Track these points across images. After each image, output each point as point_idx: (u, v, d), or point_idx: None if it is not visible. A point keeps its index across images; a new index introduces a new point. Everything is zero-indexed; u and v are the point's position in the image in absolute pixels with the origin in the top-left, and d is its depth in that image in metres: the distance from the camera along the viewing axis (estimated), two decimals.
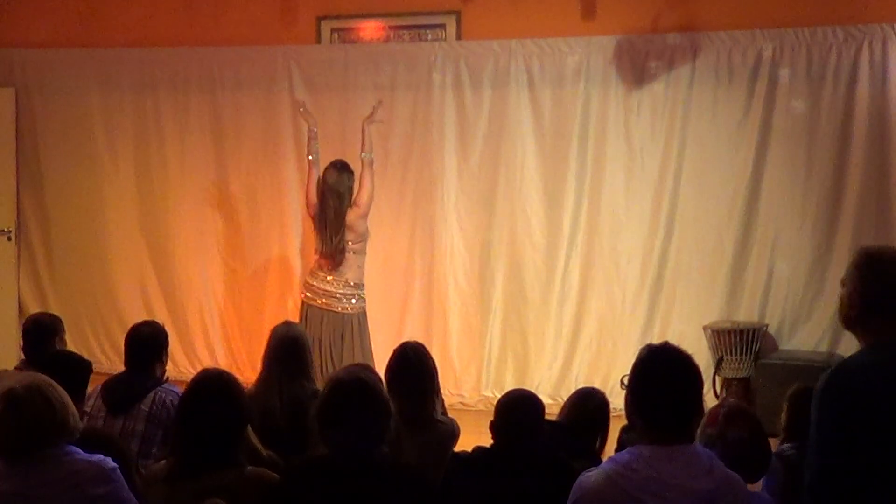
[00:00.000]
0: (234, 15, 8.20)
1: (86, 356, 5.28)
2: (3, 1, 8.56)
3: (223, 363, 7.86)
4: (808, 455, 2.60)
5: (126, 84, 8.36)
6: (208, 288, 8.31)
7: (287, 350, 4.69)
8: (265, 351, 4.78)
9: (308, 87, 8.03)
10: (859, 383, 2.54)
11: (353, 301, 6.55)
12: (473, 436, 4.15)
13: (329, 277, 6.51)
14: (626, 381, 2.83)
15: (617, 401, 3.90)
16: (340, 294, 6.52)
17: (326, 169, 6.58)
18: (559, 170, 7.57)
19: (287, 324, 5.00)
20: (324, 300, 6.52)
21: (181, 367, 7.96)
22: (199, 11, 8.25)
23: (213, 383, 3.33)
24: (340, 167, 6.58)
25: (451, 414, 4.88)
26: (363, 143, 6.71)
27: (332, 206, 6.48)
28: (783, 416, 3.87)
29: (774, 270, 7.23)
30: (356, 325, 6.56)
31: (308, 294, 6.59)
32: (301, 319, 6.49)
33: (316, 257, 6.62)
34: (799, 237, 7.16)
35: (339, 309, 6.52)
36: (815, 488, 2.53)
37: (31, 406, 3.00)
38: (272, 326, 4.94)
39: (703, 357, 6.78)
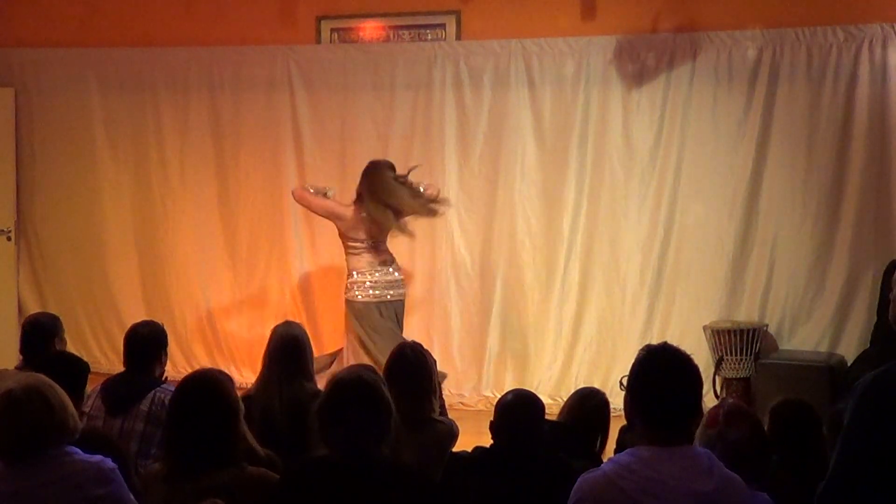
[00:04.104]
0: (234, 15, 8.20)
1: (85, 356, 5.29)
2: (2, 1, 8.56)
3: (222, 363, 7.86)
4: (834, 456, 2.56)
5: (125, 84, 8.36)
6: (207, 288, 8.30)
7: (287, 350, 4.68)
8: (265, 351, 4.77)
9: (308, 87, 8.04)
10: None
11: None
12: (473, 436, 4.15)
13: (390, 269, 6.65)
14: (624, 381, 2.82)
15: (617, 401, 3.88)
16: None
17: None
18: (559, 170, 7.57)
19: (287, 323, 4.99)
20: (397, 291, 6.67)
21: (179, 367, 7.93)
22: (199, 11, 8.25)
23: (201, 383, 3.33)
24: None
25: (451, 414, 4.88)
26: None
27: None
28: (766, 428, 3.84)
29: (774, 270, 7.22)
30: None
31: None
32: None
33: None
34: (799, 236, 7.16)
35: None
36: (835, 488, 2.50)
37: (30, 407, 2.99)
38: (272, 326, 4.94)
39: (703, 357, 6.78)
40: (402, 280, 6.71)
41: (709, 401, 5.74)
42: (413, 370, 4.33)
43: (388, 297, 6.58)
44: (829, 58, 7.03)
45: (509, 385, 7.15)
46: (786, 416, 3.64)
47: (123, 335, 4.67)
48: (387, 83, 7.87)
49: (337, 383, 3.15)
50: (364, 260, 6.56)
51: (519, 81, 7.60)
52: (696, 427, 3.06)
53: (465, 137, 7.76)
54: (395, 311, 6.61)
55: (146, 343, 4.58)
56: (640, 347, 2.85)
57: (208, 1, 8.26)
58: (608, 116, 7.47)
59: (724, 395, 6.86)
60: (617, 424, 4.05)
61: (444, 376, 6.58)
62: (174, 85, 8.29)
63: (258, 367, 4.85)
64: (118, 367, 4.83)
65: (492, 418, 3.68)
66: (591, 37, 7.48)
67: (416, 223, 7.74)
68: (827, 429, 3.62)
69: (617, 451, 3.53)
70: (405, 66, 7.84)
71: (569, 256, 7.57)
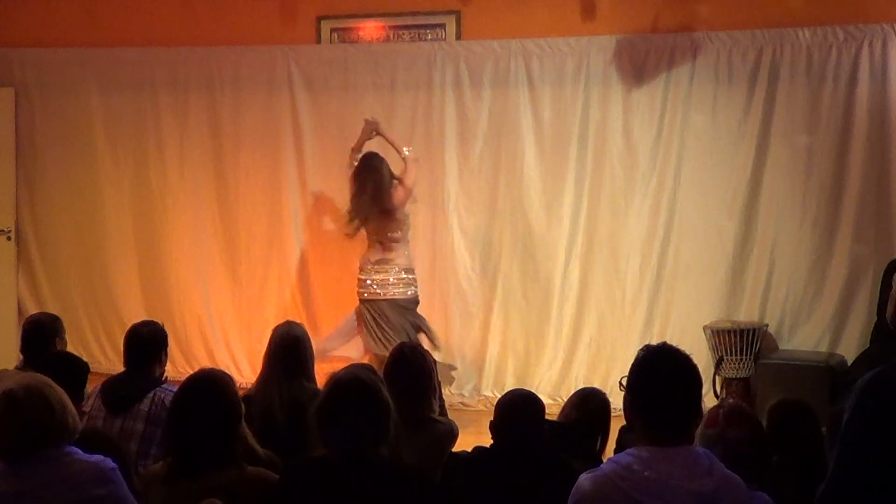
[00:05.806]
0: (234, 15, 8.20)
1: (85, 356, 5.29)
2: (2, 1, 8.56)
3: (222, 363, 7.86)
4: (833, 457, 2.56)
5: (125, 84, 8.35)
6: (207, 288, 8.29)
7: (287, 350, 4.69)
8: (265, 351, 4.78)
9: (308, 87, 8.04)
10: None
11: None
12: (473, 436, 4.16)
13: None
14: (624, 382, 2.82)
15: (617, 401, 3.88)
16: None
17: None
18: (559, 170, 7.57)
19: (287, 323, 4.99)
20: None
21: (179, 367, 7.93)
22: (199, 11, 8.25)
23: (202, 383, 3.34)
24: None
25: (451, 414, 4.89)
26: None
27: None
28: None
29: (774, 270, 7.22)
30: None
31: None
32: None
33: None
34: (799, 237, 7.16)
35: None
36: (836, 489, 2.50)
37: (31, 407, 2.99)
38: (272, 326, 4.94)
39: (703, 357, 6.78)
40: None
41: (709, 401, 5.75)
42: (412, 370, 4.33)
43: None
44: (829, 58, 7.03)
45: (509, 385, 7.15)
46: (783, 416, 3.65)
47: (123, 335, 4.67)
48: (387, 83, 7.87)
49: (335, 384, 3.15)
50: None
51: (519, 81, 7.60)
52: (696, 427, 3.06)
53: (465, 137, 7.76)
54: None
55: (146, 343, 4.59)
56: (640, 347, 2.85)
57: (208, 1, 8.26)
58: (608, 116, 7.47)
59: (724, 395, 6.86)
60: (617, 424, 4.05)
61: (453, 368, 6.76)
62: (174, 85, 8.28)
63: (258, 367, 4.85)
64: (118, 367, 4.83)
65: (492, 418, 3.68)
66: (591, 37, 7.48)
67: (415, 223, 7.78)
68: (827, 429, 3.62)
69: (617, 451, 3.53)
70: (405, 66, 7.84)
71: (569, 256, 7.58)
